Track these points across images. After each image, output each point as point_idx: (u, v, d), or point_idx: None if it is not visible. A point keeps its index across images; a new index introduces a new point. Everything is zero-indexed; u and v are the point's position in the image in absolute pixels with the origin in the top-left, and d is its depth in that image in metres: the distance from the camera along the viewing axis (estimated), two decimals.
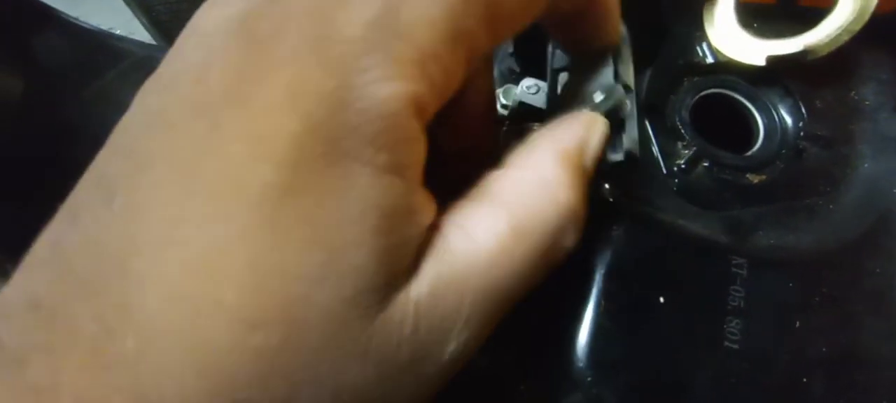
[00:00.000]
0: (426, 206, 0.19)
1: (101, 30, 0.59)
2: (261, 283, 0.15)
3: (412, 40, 0.17)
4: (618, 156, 0.25)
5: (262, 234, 0.15)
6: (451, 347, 0.18)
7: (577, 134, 0.22)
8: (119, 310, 0.15)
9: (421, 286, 0.17)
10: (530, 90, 0.29)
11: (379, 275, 0.16)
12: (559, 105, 0.25)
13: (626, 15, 0.25)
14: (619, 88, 0.23)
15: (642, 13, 0.28)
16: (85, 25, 0.57)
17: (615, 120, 0.23)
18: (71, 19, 0.56)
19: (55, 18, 0.54)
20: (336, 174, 0.16)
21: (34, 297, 0.15)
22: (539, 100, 0.29)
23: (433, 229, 0.19)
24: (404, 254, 0.17)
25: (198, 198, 0.15)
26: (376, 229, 0.16)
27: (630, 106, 0.25)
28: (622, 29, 0.27)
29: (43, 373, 0.14)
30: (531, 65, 0.31)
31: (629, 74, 0.25)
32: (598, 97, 0.23)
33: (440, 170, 0.24)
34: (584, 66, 0.25)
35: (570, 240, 0.20)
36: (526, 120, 0.29)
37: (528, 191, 0.20)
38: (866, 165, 0.32)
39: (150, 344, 0.14)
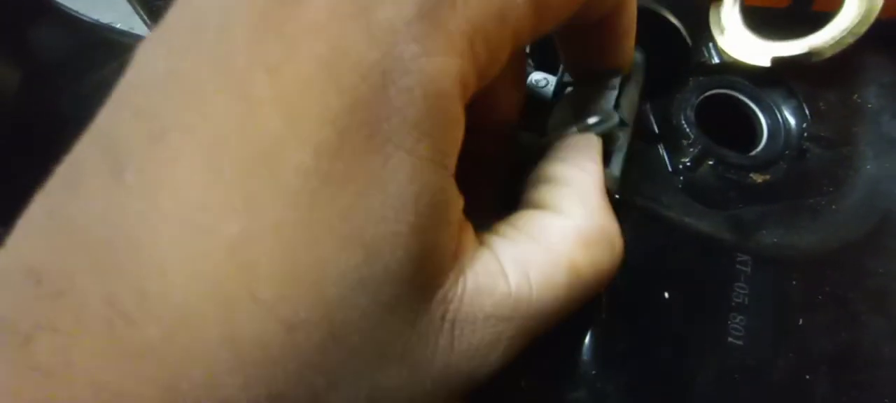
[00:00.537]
0: (459, 199, 0.17)
1: (100, 23, 0.59)
2: (298, 282, 0.14)
3: (465, 11, 0.15)
4: None
5: (299, 229, 0.14)
6: (485, 371, 0.17)
7: (601, 167, 0.21)
8: (136, 296, 0.13)
9: (461, 308, 0.16)
10: (540, 84, 0.29)
11: (416, 280, 0.15)
12: (555, 117, 0.24)
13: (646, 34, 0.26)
14: (616, 116, 0.23)
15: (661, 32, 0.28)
16: (85, 18, 0.57)
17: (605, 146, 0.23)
18: (71, 12, 0.56)
19: (54, 11, 0.54)
20: (376, 162, 0.14)
21: (33, 268, 0.14)
22: (548, 94, 0.29)
23: (486, 252, 0.18)
24: (441, 255, 0.16)
25: (225, 182, 0.13)
26: (414, 228, 0.15)
27: (622, 139, 0.24)
28: (639, 57, 0.27)
29: (51, 354, 0.13)
30: (544, 65, 0.31)
31: (631, 108, 0.25)
32: (593, 119, 0.23)
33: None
34: (590, 84, 0.24)
35: (611, 281, 0.20)
36: (534, 114, 0.29)
37: (590, 243, 0.19)
38: (869, 166, 0.32)
39: (178, 334, 0.13)
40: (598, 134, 0.22)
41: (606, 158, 0.24)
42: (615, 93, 0.23)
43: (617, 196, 0.24)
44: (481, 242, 0.18)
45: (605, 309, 0.29)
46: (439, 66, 0.15)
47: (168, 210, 0.13)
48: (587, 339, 0.29)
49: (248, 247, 0.13)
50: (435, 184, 0.15)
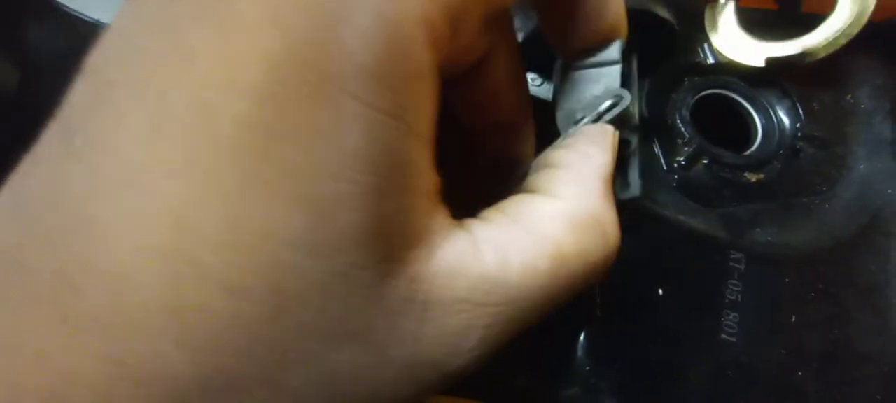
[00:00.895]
0: (430, 172, 0.16)
1: (100, 22, 0.59)
2: (243, 245, 0.13)
3: None
4: (627, 194, 0.25)
5: (241, 186, 0.13)
6: (459, 362, 0.16)
7: (610, 158, 0.20)
8: (82, 263, 0.13)
9: (431, 290, 0.15)
10: (535, 82, 0.30)
11: (376, 250, 0.14)
12: (562, 110, 0.23)
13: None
14: (628, 95, 0.21)
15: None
16: (84, 18, 0.57)
17: (619, 126, 0.21)
18: (71, 11, 0.56)
19: (54, 10, 0.54)
20: (325, 113, 0.13)
21: None
22: (544, 92, 0.29)
23: (463, 234, 0.16)
24: (405, 226, 0.15)
25: (165, 138, 0.13)
26: (372, 189, 0.13)
27: (634, 144, 0.24)
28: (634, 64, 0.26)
29: (2, 327, 0.13)
30: (535, 67, 0.31)
31: (635, 111, 0.24)
32: (605, 105, 0.21)
33: (472, 153, 0.22)
34: (588, 66, 0.22)
35: (605, 276, 0.19)
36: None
37: (579, 228, 0.17)
38: (861, 166, 0.33)
39: (121, 304, 0.12)
40: (612, 120, 0.21)
41: (625, 163, 0.24)
42: (618, 67, 0.21)
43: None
44: (460, 225, 0.17)
45: (600, 306, 0.29)
46: (398, 5, 0.13)
47: (110, 172, 0.13)
48: (582, 335, 0.29)
49: (189, 208, 0.13)
50: (396, 144, 0.14)
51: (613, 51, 0.21)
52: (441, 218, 0.16)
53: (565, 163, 0.19)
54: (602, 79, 0.21)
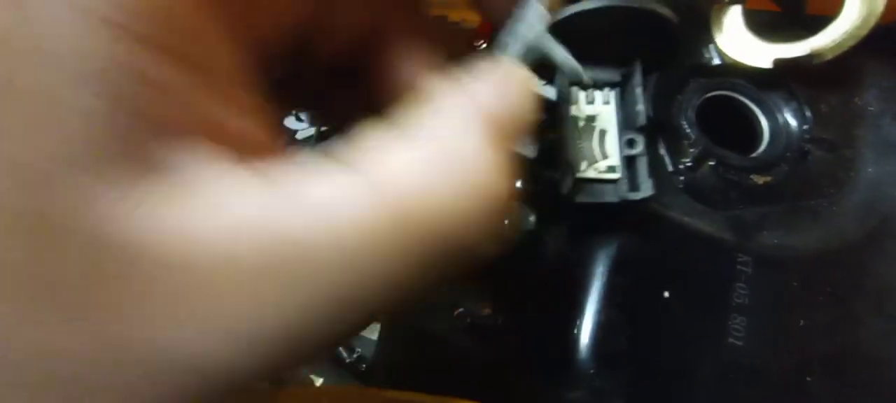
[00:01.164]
0: (224, 111, 0.13)
1: None
2: None
3: None
4: (638, 194, 0.25)
5: None
6: (247, 359, 0.12)
7: (498, 93, 0.16)
8: None
9: (198, 252, 0.11)
10: (539, 83, 0.29)
11: (84, 187, 0.11)
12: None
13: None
14: (536, 29, 0.19)
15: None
16: None
17: (627, 126, 0.21)
18: None
19: None
20: (36, 19, 0.11)
21: None
22: (550, 93, 0.29)
23: (272, 184, 0.13)
24: (135, 160, 0.11)
25: None
26: (83, 106, 0.11)
27: (641, 145, 0.24)
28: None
29: None
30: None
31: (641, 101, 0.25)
32: (513, 47, 0.19)
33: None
34: (512, 24, 0.21)
35: (493, 242, 0.15)
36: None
37: (438, 175, 0.14)
38: (869, 169, 0.33)
39: None
40: (529, 60, 0.19)
41: (632, 164, 0.23)
42: (537, 14, 0.20)
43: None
44: (268, 176, 0.13)
45: (604, 306, 0.29)
46: None
47: None
48: (587, 338, 0.29)
49: None
50: (110, 53, 0.11)
51: (527, 2, 0.20)
52: (229, 165, 0.13)
53: (434, 98, 0.16)
54: (520, 31, 0.20)
